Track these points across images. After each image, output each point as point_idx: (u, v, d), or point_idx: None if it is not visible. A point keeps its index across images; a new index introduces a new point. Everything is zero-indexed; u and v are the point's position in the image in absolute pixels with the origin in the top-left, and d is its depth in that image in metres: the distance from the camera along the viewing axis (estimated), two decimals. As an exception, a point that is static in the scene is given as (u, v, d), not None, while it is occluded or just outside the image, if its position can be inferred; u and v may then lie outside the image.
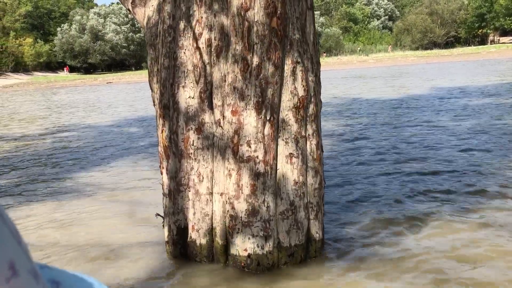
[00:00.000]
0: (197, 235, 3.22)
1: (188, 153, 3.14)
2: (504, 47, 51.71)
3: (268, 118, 2.97)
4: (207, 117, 3.10)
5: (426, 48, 64.47)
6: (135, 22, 67.82)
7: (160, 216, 3.59)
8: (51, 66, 71.89)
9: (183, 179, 3.20)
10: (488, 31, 67.64)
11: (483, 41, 68.63)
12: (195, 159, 3.13)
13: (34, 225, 4.40)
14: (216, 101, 3.08)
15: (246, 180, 2.99)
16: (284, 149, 3.04)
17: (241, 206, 3.01)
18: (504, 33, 68.50)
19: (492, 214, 3.98)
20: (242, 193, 3.00)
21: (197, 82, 3.07)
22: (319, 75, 3.24)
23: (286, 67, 3.01)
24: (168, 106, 3.23)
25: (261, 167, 2.98)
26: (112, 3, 77.01)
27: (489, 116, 9.23)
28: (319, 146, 3.19)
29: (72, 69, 69.75)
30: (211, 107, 3.10)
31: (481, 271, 3.02)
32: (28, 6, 68.39)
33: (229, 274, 3.07)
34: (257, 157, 2.97)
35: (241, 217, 3.02)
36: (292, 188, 3.06)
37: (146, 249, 3.63)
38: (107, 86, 38.87)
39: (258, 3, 2.87)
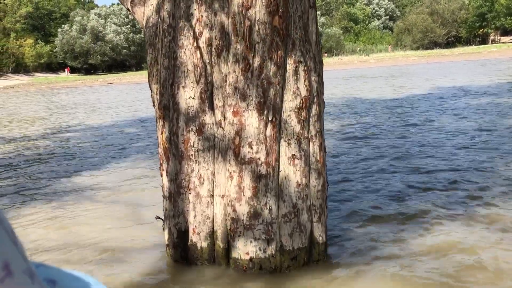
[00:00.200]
0: (198, 238, 3.16)
1: (188, 154, 3.08)
2: (505, 46, 51.63)
3: (270, 119, 2.91)
4: (207, 118, 3.04)
5: (427, 48, 64.32)
6: (136, 23, 67.83)
7: (160, 219, 3.53)
8: (52, 67, 71.90)
9: (183, 181, 3.14)
10: (489, 30, 67.52)
11: (484, 40, 68.50)
12: (196, 160, 3.07)
13: (33, 225, 4.36)
14: (217, 102, 3.01)
15: (247, 182, 2.92)
16: (286, 150, 2.98)
17: (243, 209, 2.95)
18: (505, 32, 68.37)
19: (494, 213, 3.96)
20: (243, 195, 2.94)
21: (197, 82, 3.01)
22: (322, 74, 3.17)
23: (288, 67, 2.95)
24: (168, 107, 3.17)
25: (263, 169, 2.92)
26: (113, 4, 77.11)
27: (490, 116, 9.19)
28: (322, 147, 3.13)
29: (73, 70, 69.76)
30: (211, 107, 3.04)
31: (483, 270, 2.98)
32: (28, 7, 68.38)
33: (230, 278, 3.01)
34: (259, 158, 2.91)
35: (242, 220, 2.96)
36: (294, 190, 2.99)
37: (146, 252, 3.58)
38: (107, 87, 38.87)
39: (260, 1, 2.81)
